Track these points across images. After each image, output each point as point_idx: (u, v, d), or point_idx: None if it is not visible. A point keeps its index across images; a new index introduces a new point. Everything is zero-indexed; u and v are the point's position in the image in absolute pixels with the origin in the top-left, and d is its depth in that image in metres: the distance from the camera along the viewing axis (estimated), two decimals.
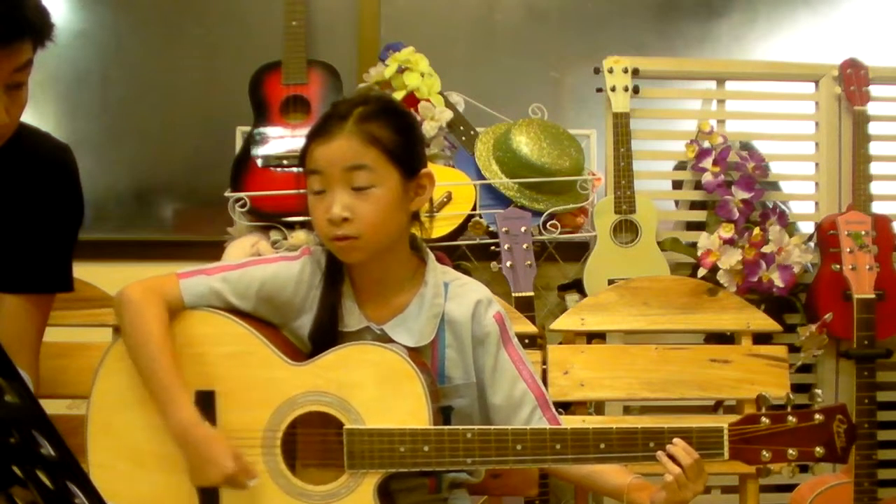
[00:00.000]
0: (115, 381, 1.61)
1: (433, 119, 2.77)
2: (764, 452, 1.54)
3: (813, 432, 1.54)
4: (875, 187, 2.83)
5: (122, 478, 1.59)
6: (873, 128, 2.87)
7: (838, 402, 2.24)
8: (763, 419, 1.54)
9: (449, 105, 2.81)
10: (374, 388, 1.55)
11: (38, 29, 1.48)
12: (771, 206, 2.84)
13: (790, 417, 1.54)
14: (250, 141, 2.77)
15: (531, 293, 2.40)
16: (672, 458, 1.52)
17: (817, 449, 1.54)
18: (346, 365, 1.56)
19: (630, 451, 1.54)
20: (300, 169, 1.62)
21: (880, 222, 2.62)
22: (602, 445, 1.54)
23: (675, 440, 1.53)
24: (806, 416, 1.54)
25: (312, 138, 1.59)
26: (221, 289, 1.62)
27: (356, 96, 1.67)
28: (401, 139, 1.58)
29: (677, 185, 2.99)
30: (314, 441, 1.58)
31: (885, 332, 2.59)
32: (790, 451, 1.54)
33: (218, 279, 1.63)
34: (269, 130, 2.78)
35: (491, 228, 2.65)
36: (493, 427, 1.57)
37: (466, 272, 2.53)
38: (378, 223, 1.56)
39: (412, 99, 2.78)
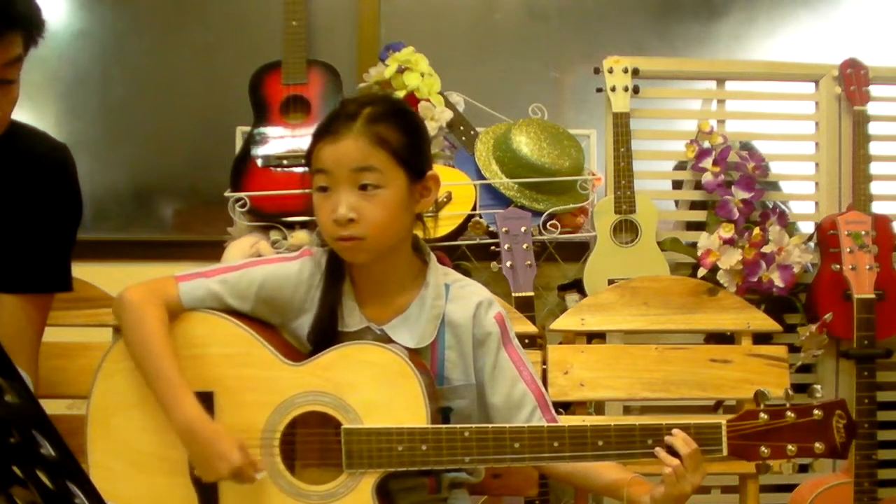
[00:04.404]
0: (114, 382, 1.61)
1: (433, 119, 2.77)
2: (763, 448, 1.52)
3: (812, 428, 1.52)
4: (875, 187, 2.83)
5: (121, 479, 1.59)
6: (873, 128, 2.87)
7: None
8: (761, 415, 1.52)
9: (449, 105, 2.81)
10: (372, 387, 1.54)
11: (29, 22, 1.48)
12: (771, 206, 2.84)
13: (789, 413, 1.52)
14: (250, 141, 2.77)
15: (531, 293, 2.40)
16: (671, 449, 1.51)
17: (817, 445, 1.52)
18: (344, 365, 1.56)
19: (628, 447, 1.53)
20: (305, 168, 1.62)
21: (880, 222, 2.62)
22: (600, 443, 1.53)
23: (675, 430, 1.52)
24: (805, 411, 1.53)
25: (320, 137, 1.58)
26: (220, 291, 1.62)
27: (365, 96, 1.67)
28: (409, 141, 1.58)
29: (677, 185, 2.99)
30: (313, 441, 1.57)
31: (885, 332, 2.60)
32: (789, 446, 1.52)
33: (217, 281, 1.63)
34: (269, 130, 2.78)
35: (491, 228, 2.65)
36: (490, 425, 1.56)
37: (466, 272, 2.54)
38: (384, 225, 1.56)
39: (412, 99, 2.77)
